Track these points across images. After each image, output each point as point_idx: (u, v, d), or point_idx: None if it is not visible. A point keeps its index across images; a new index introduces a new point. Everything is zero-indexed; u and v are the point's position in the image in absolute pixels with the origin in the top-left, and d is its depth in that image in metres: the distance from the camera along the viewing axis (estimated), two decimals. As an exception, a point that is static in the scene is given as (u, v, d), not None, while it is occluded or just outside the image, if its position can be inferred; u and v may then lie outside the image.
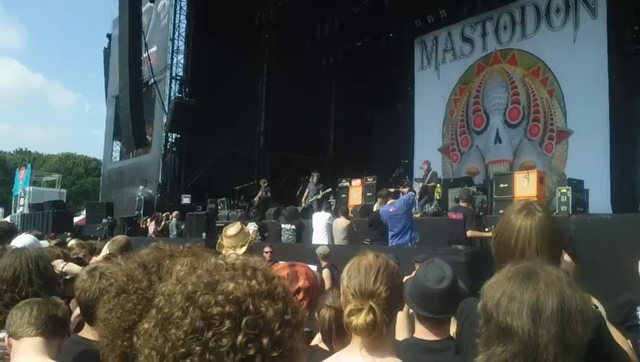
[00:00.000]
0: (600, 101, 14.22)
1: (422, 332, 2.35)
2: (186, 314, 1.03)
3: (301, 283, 2.11)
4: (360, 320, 1.68)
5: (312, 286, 2.16)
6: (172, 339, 1.02)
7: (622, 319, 3.18)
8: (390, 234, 9.46)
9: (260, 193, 16.75)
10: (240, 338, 1.00)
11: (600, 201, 11.52)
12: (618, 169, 12.68)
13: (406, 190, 11.77)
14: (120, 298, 1.43)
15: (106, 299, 1.47)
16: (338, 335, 2.24)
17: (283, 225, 12.33)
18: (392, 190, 11.44)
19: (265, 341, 1.02)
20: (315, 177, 15.38)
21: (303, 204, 14.36)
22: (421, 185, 13.55)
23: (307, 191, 15.61)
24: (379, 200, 10.87)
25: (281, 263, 2.32)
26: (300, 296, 2.08)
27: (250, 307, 1.04)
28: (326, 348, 2.27)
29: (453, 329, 2.51)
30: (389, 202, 9.90)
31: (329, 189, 15.22)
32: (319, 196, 14.67)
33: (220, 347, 0.99)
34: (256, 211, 14.93)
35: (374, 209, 11.04)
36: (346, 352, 1.82)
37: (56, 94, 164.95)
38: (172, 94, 22.21)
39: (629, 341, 2.37)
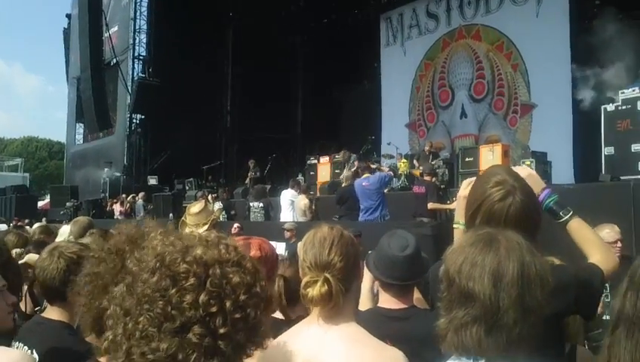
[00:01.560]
0: (563, 74, 14.45)
1: (386, 301, 2.37)
2: (154, 273, 1.06)
3: (252, 252, 2.11)
4: (315, 291, 1.71)
5: (265, 256, 2.16)
6: (138, 295, 1.05)
7: None
8: (361, 208, 9.50)
9: (249, 174, 16.41)
10: (203, 296, 1.03)
11: (563, 172, 11.75)
12: (580, 140, 12.95)
13: (386, 169, 11.77)
14: (110, 257, 1.48)
15: (91, 256, 1.52)
16: (289, 303, 2.26)
17: (251, 204, 12.31)
18: (373, 166, 11.42)
19: (228, 303, 1.05)
20: (343, 154, 14.47)
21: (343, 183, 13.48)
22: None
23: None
24: (347, 171, 10.89)
25: (238, 238, 2.31)
26: None
27: (217, 271, 1.07)
28: (282, 316, 2.28)
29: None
30: (364, 176, 9.91)
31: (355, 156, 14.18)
32: (352, 169, 13.87)
33: (183, 302, 1.03)
34: (223, 191, 14.80)
35: (343, 182, 11.09)
36: (305, 323, 1.86)
37: (18, 78, 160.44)
38: (135, 74, 21.80)
39: None
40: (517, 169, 2.18)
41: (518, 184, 1.89)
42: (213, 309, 1.03)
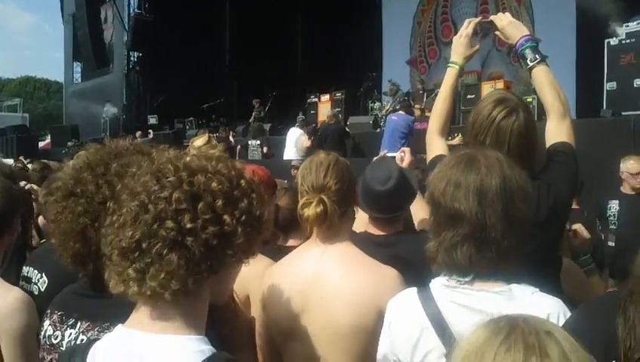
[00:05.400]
0: (567, 8, 14.16)
1: (372, 228, 2.40)
2: (146, 174, 1.15)
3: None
4: (311, 211, 1.80)
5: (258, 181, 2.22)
6: (128, 192, 1.15)
7: None
8: (383, 141, 9.88)
9: (254, 113, 16.22)
10: (177, 193, 1.10)
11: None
12: (583, 76, 12.80)
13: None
14: (69, 201, 1.46)
15: (54, 201, 1.50)
16: (286, 231, 2.43)
17: (249, 142, 12.39)
18: (416, 107, 11.71)
19: (201, 204, 1.11)
20: (391, 86, 13.80)
21: (382, 116, 12.58)
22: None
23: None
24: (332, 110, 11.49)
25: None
26: None
27: (200, 177, 1.13)
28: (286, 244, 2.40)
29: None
30: (399, 112, 10.24)
31: (403, 91, 13.81)
32: (397, 104, 12.21)
33: (160, 196, 1.10)
34: (223, 129, 14.76)
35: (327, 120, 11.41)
36: (305, 245, 1.97)
37: (12, 16, 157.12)
38: (131, 10, 21.27)
39: None
40: (499, 16, 2.28)
41: (520, 102, 1.97)
42: (183, 206, 1.09)
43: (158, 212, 1.09)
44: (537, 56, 2.13)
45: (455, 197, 1.44)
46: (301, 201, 1.85)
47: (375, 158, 2.82)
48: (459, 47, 2.30)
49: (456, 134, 8.35)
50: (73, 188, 1.46)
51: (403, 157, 2.67)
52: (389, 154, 2.87)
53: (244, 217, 1.15)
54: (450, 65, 2.33)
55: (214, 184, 1.13)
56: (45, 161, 6.56)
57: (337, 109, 13.37)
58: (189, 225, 1.09)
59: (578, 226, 2.56)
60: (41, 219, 3.60)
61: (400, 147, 9.63)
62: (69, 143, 18.36)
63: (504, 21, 2.25)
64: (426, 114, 9.65)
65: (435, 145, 2.26)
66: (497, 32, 2.28)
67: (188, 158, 1.17)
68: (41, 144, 23.91)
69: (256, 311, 1.98)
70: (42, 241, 3.55)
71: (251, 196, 1.19)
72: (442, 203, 1.46)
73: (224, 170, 1.17)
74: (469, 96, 11.55)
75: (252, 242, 1.19)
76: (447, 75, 2.33)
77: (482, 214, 1.41)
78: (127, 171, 1.30)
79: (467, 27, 2.30)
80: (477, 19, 2.34)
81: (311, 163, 1.92)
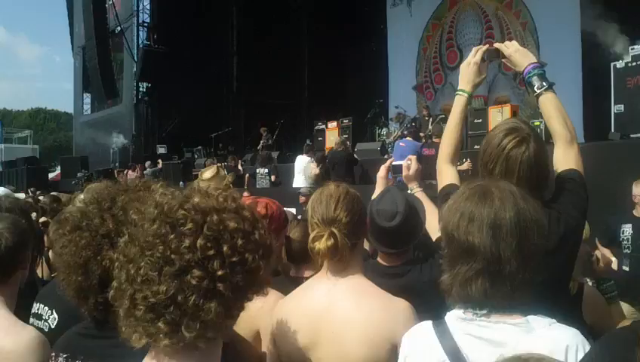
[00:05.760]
0: (572, 31, 14.21)
1: (382, 258, 2.39)
2: (154, 221, 1.10)
3: (258, 210, 2.19)
4: (322, 244, 1.79)
5: (270, 215, 2.23)
6: (140, 243, 1.09)
7: None
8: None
9: (262, 141, 16.29)
10: (200, 240, 1.07)
11: (572, 132, 11.61)
12: (590, 99, 12.80)
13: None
14: (74, 234, 1.47)
15: (61, 235, 1.51)
16: (297, 262, 2.40)
17: (257, 170, 12.41)
18: (422, 134, 11.76)
19: (225, 247, 1.08)
20: (397, 115, 14.27)
21: (390, 142, 12.89)
22: None
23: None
24: (340, 137, 11.46)
25: (246, 197, 2.40)
26: None
27: (215, 217, 1.10)
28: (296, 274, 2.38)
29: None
30: (407, 138, 10.35)
31: (410, 117, 13.97)
32: (405, 130, 12.65)
33: (181, 246, 1.06)
34: (231, 158, 14.86)
35: (335, 147, 11.44)
36: (316, 278, 1.96)
37: (22, 48, 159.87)
38: (140, 42, 21.62)
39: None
40: (506, 44, 2.28)
41: (532, 132, 1.94)
42: (211, 252, 1.07)
43: (185, 262, 1.06)
44: (544, 83, 2.12)
45: (469, 230, 1.42)
46: (312, 235, 1.84)
47: (382, 166, 2.80)
48: (467, 75, 2.30)
49: (465, 160, 8.34)
50: (79, 222, 1.48)
51: (409, 165, 2.63)
52: (396, 163, 2.82)
53: (261, 251, 1.15)
54: (458, 93, 2.32)
55: (231, 223, 1.11)
56: (55, 193, 6.58)
57: (345, 136, 13.45)
58: (220, 272, 1.07)
59: (599, 252, 2.51)
60: (52, 253, 3.60)
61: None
62: (79, 174, 18.50)
63: (511, 49, 2.24)
64: (434, 140, 9.64)
65: (446, 174, 2.24)
66: (504, 60, 2.28)
67: (196, 199, 1.13)
68: (51, 175, 24.11)
69: (266, 346, 1.96)
70: (53, 275, 3.54)
71: (258, 225, 1.18)
72: (456, 236, 1.44)
73: (230, 204, 1.15)
74: (476, 121, 11.56)
75: (268, 271, 1.20)
76: (456, 103, 2.31)
77: (496, 248, 1.39)
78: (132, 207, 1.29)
79: (475, 55, 2.30)
80: (484, 47, 2.34)
81: (321, 195, 1.91)
